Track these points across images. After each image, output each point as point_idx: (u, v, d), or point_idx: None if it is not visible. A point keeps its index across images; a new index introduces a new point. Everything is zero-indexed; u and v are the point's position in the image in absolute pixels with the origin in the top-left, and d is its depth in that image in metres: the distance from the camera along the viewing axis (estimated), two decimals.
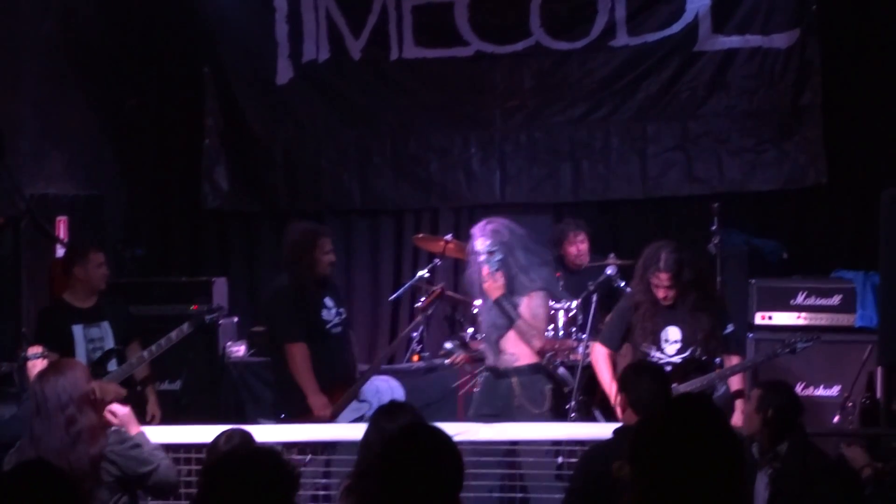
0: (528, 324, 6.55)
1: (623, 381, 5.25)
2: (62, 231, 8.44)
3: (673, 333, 6.61)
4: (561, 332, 8.11)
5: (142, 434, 5.04)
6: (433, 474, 3.31)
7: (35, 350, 5.69)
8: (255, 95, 9.58)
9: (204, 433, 5.92)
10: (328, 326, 7.00)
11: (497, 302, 6.55)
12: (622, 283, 7.87)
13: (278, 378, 7.07)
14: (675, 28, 9.02)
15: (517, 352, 6.58)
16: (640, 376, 5.18)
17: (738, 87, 9.00)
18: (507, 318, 6.56)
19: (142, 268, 9.30)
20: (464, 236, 9.14)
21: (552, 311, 8.14)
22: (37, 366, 5.61)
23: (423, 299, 7.54)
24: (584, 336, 7.87)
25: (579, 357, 7.79)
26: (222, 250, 9.87)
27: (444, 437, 3.44)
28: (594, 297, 7.81)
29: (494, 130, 9.37)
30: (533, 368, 6.61)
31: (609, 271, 7.82)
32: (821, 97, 8.83)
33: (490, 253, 6.53)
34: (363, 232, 9.68)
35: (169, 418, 7.17)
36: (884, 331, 7.01)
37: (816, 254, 8.88)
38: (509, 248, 6.56)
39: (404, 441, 3.43)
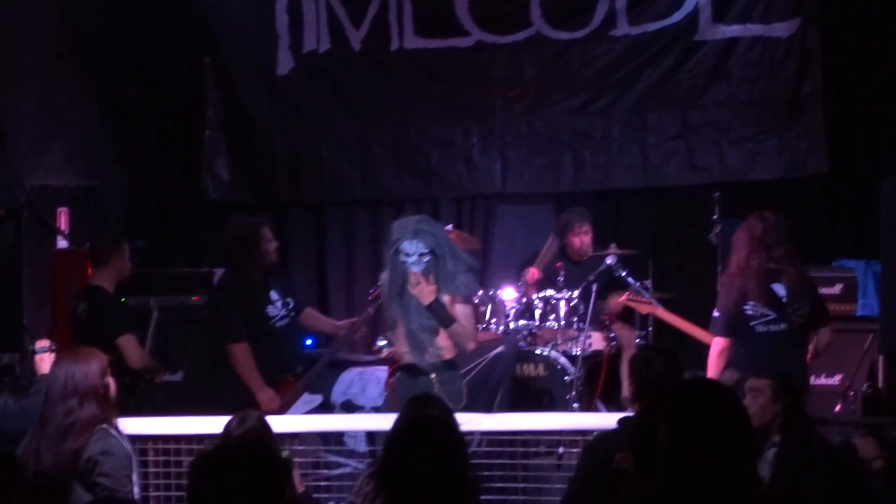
0: (463, 326, 6.31)
1: (632, 372, 5.21)
2: (63, 222, 8.44)
3: None
4: (562, 322, 8.13)
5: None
6: (438, 465, 3.31)
7: (43, 343, 5.70)
8: (256, 86, 9.57)
9: (205, 424, 5.94)
10: (273, 321, 6.98)
11: (430, 307, 6.23)
12: (623, 273, 7.87)
13: (221, 375, 7.06)
14: (676, 17, 9.00)
15: (439, 348, 6.34)
16: (650, 364, 5.13)
17: (739, 77, 8.99)
18: (441, 321, 6.26)
19: (142, 259, 9.29)
20: (465, 227, 9.18)
21: (555, 301, 8.16)
22: (44, 359, 5.62)
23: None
24: (584, 326, 7.89)
25: (580, 347, 7.84)
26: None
27: (451, 429, 3.44)
28: (594, 287, 7.83)
29: (495, 120, 9.35)
30: (450, 364, 6.39)
31: (609, 261, 7.83)
32: (821, 86, 8.82)
33: (420, 255, 6.22)
34: (364, 223, 9.67)
35: (170, 409, 7.19)
36: (885, 319, 7.00)
37: (818, 243, 8.86)
38: (439, 251, 6.26)
39: (409, 432, 3.44)
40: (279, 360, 6.98)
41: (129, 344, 6.83)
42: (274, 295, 7.03)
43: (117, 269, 7.15)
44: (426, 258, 6.22)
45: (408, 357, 6.34)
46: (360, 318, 7.16)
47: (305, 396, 6.93)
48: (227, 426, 4.97)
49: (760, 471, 5.07)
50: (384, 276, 6.43)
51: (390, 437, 3.57)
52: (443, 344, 6.32)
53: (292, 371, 7.03)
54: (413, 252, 6.23)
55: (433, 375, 6.27)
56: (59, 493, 4.87)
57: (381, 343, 6.89)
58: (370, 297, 7.19)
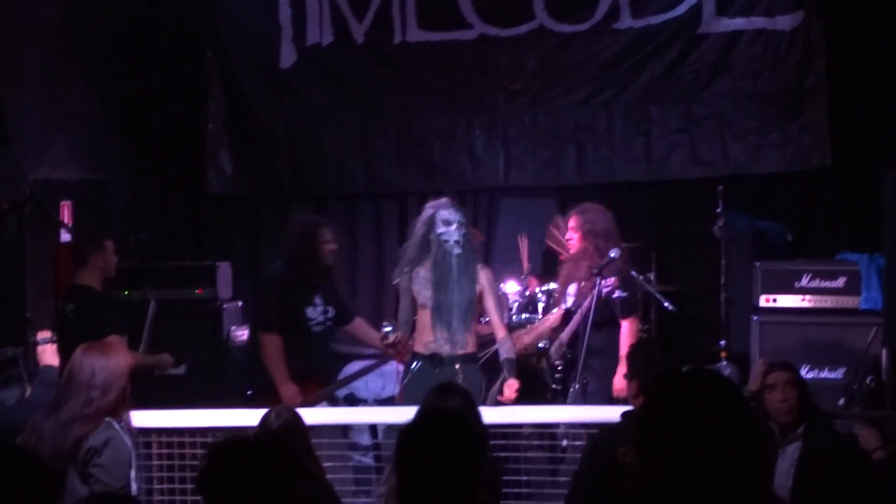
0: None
1: (632, 367, 5.21)
2: (66, 216, 8.44)
3: None
4: None
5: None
6: (451, 459, 3.29)
7: (45, 335, 5.71)
8: (259, 79, 9.58)
9: (208, 417, 5.95)
10: (310, 324, 7.00)
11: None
12: None
13: (256, 358, 7.12)
14: (679, 10, 8.99)
15: (466, 341, 6.51)
16: (651, 358, 5.12)
17: (743, 70, 8.98)
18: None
19: (146, 252, 9.30)
20: (468, 220, 9.15)
21: (558, 295, 8.15)
22: (46, 350, 5.63)
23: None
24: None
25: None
26: (226, 235, 9.87)
27: (462, 421, 3.42)
28: (598, 281, 7.81)
29: (498, 114, 9.35)
30: (472, 357, 6.56)
31: (612, 254, 7.82)
32: (825, 79, 8.80)
33: (460, 223, 6.62)
34: (367, 216, 9.67)
35: (173, 403, 7.19)
36: (888, 313, 7.00)
37: (821, 236, 8.87)
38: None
39: (421, 426, 3.42)
40: (308, 364, 6.98)
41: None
42: (317, 299, 7.05)
43: (100, 268, 7.16)
44: (463, 229, 6.47)
45: (432, 346, 6.42)
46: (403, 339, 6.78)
47: (325, 404, 6.93)
48: (265, 418, 5.00)
49: (780, 467, 5.08)
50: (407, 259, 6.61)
51: (407, 426, 3.55)
52: (469, 338, 6.46)
53: (319, 377, 7.03)
54: (453, 220, 6.43)
55: (457, 366, 6.36)
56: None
57: (387, 329, 6.69)
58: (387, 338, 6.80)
